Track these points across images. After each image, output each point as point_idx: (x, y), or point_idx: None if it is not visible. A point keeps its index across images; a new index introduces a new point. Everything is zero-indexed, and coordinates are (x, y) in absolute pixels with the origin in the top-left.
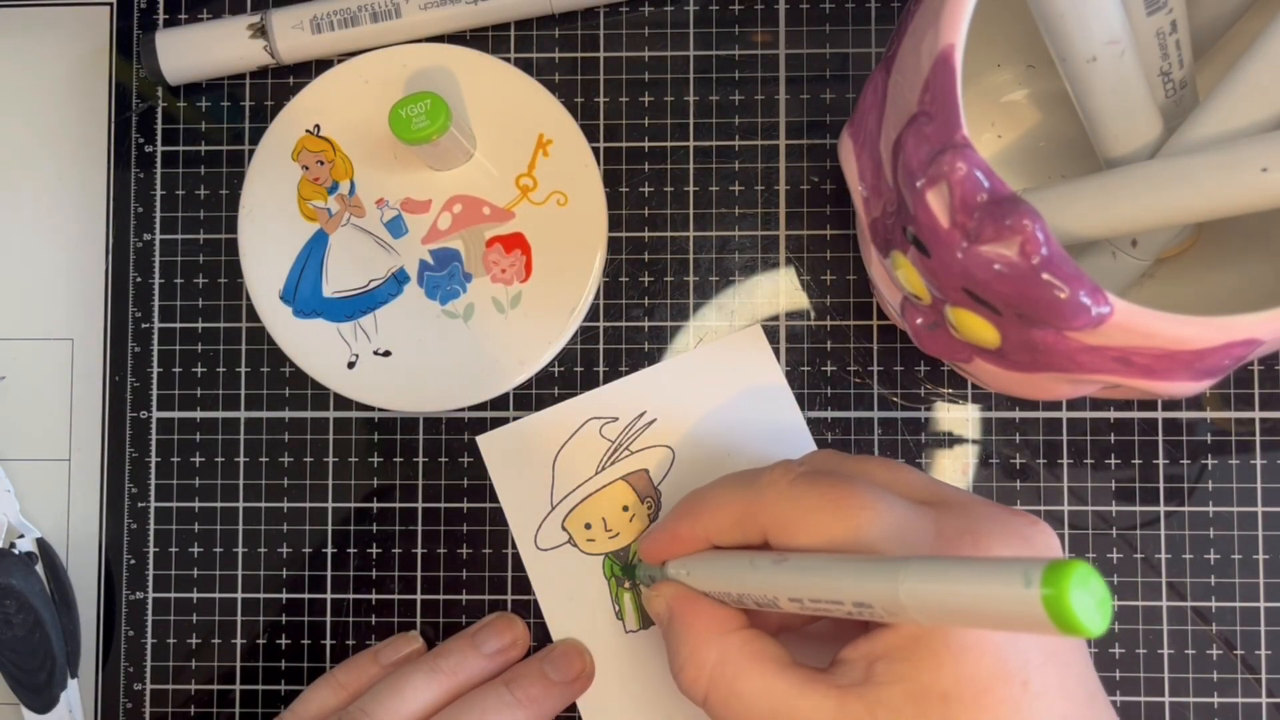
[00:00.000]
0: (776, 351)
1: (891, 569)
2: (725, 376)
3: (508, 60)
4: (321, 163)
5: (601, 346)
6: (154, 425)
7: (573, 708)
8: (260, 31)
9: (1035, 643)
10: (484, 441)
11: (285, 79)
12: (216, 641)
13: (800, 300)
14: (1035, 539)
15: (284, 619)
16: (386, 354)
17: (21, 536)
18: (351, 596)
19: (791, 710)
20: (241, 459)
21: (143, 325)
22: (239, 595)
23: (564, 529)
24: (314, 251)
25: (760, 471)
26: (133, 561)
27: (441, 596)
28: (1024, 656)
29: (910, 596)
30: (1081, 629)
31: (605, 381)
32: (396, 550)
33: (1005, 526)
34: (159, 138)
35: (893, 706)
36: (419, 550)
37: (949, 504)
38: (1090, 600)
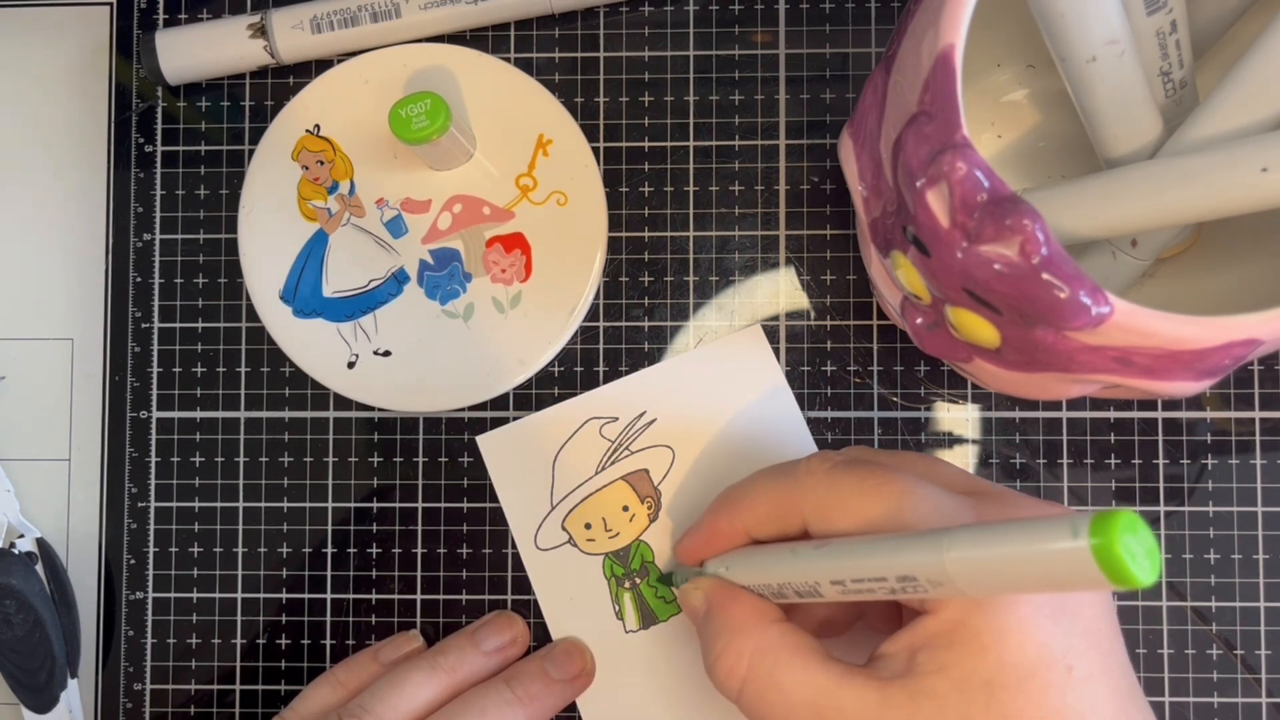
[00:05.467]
0: (776, 351)
1: (935, 539)
2: (725, 376)
3: (508, 60)
4: (321, 163)
5: (601, 346)
6: (154, 425)
7: (572, 707)
8: (260, 31)
9: (1078, 629)
10: (484, 441)
11: (285, 79)
12: (216, 641)
13: (800, 300)
14: None
15: (284, 619)
16: (386, 354)
17: (21, 536)
18: (351, 596)
19: (833, 701)
20: (241, 459)
21: (143, 325)
22: (239, 595)
23: (564, 529)
24: (314, 251)
25: (796, 462)
26: (133, 561)
27: (441, 596)
28: (1067, 641)
29: (956, 564)
30: (1132, 578)
31: (605, 381)
32: (396, 550)
33: (1043, 514)
34: (159, 138)
35: (937, 695)
36: (419, 550)
37: (987, 494)
38: (1139, 548)
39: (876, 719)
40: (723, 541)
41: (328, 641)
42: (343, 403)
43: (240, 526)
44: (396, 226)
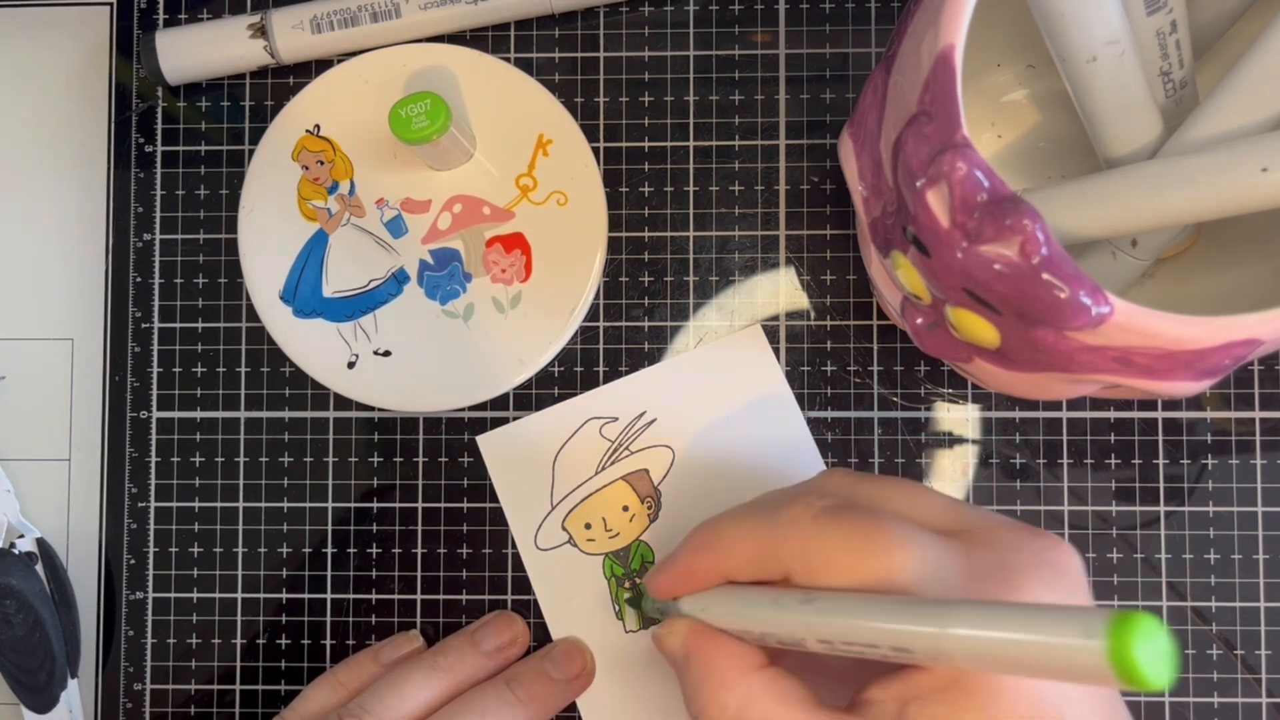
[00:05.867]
0: (776, 351)
1: (938, 614)
2: (725, 376)
3: (508, 60)
4: (321, 163)
5: (601, 346)
6: (154, 425)
7: (572, 707)
8: (260, 31)
9: None
10: (484, 441)
11: (285, 79)
12: (216, 641)
13: (800, 300)
14: (1061, 563)
15: (284, 619)
16: (386, 354)
17: (21, 536)
18: (351, 596)
19: None
20: (241, 459)
21: (143, 325)
22: (239, 595)
23: (564, 529)
24: (314, 251)
25: (779, 507)
26: (133, 561)
27: (441, 596)
28: (1059, 691)
29: (958, 644)
30: (1146, 682)
31: (605, 381)
32: (396, 550)
33: (1034, 556)
34: (159, 138)
35: None
36: (419, 550)
37: (973, 534)
38: (1156, 653)
39: None
40: (698, 582)
41: (328, 641)
42: (343, 403)
43: (240, 526)
44: (396, 226)
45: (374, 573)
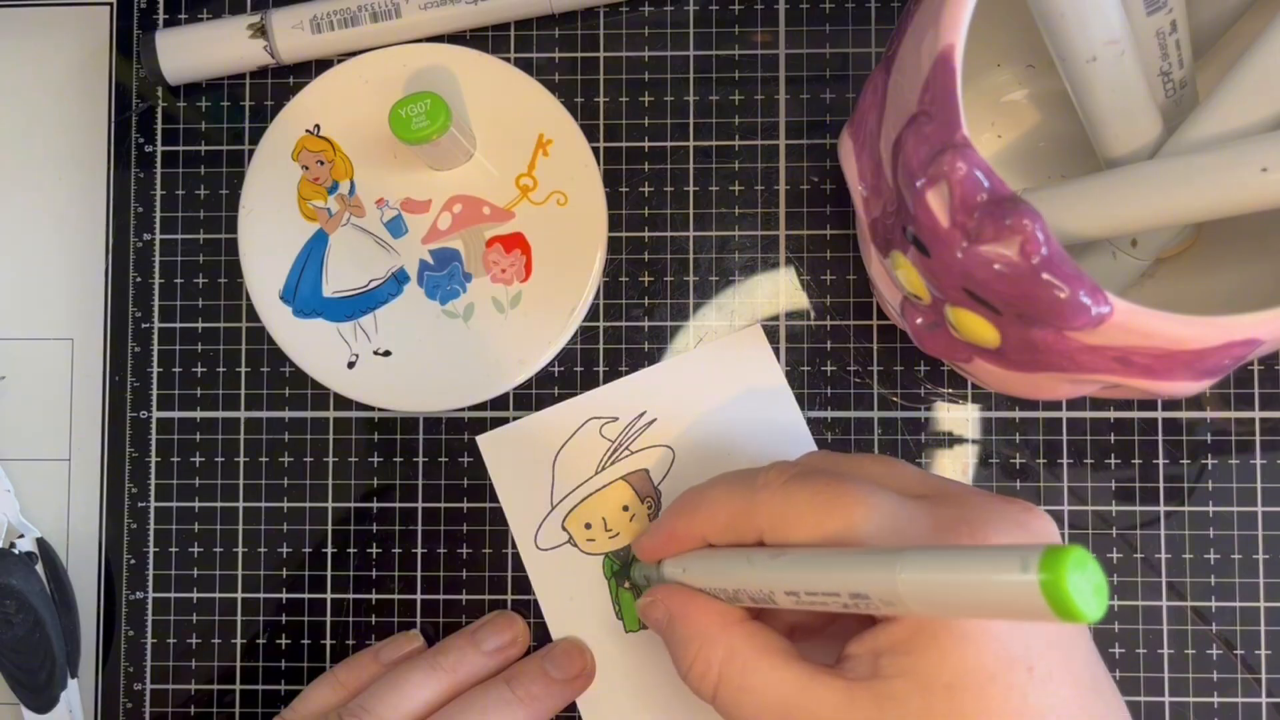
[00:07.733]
0: (776, 351)
1: (888, 559)
2: (725, 376)
3: (508, 60)
4: (321, 163)
5: (601, 346)
6: (154, 425)
7: (572, 707)
8: (260, 31)
9: (1037, 629)
10: (484, 441)
11: (285, 79)
12: (216, 641)
13: (800, 300)
14: (1032, 525)
15: (284, 619)
16: (386, 354)
17: (21, 536)
18: (351, 596)
19: (801, 701)
20: (241, 459)
21: (143, 325)
22: (239, 595)
23: (564, 529)
24: (314, 251)
25: (755, 472)
26: (133, 561)
27: (441, 596)
28: (1026, 642)
29: (908, 586)
30: (1079, 614)
31: (605, 381)
32: (396, 550)
33: (1001, 515)
34: (159, 138)
35: (899, 699)
36: (419, 550)
37: (944, 496)
38: (1087, 585)
39: (843, 719)
40: (679, 545)
41: (328, 641)
42: (343, 403)
43: (240, 526)
44: (396, 226)
45: (374, 573)
